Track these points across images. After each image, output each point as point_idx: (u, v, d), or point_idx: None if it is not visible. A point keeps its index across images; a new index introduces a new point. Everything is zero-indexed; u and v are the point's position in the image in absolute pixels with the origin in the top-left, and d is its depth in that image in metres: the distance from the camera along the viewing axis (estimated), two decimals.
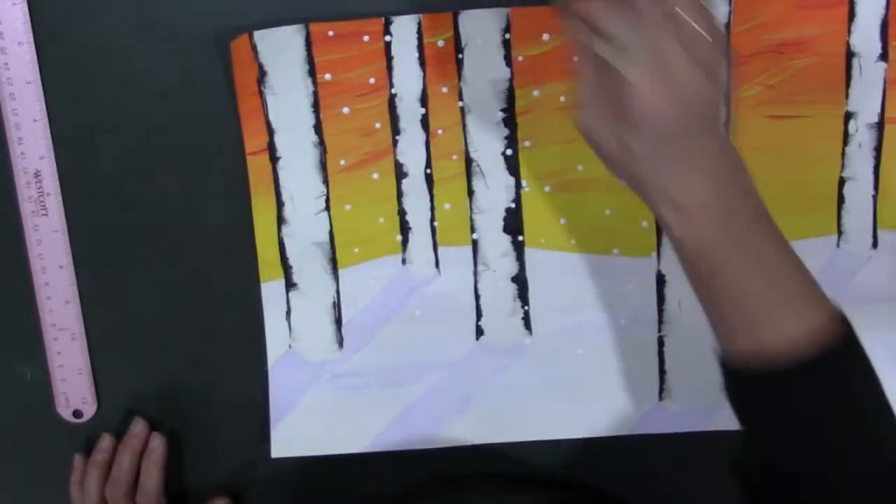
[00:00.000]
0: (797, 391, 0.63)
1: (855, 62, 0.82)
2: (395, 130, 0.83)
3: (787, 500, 0.65)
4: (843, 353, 0.64)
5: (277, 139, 0.83)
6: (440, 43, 0.82)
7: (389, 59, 0.82)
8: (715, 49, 0.61)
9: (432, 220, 0.85)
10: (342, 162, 0.84)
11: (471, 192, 0.84)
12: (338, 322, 0.87)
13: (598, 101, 0.64)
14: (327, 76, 0.82)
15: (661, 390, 0.87)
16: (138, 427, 0.88)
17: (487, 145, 0.83)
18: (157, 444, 0.88)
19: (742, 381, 0.66)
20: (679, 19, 0.60)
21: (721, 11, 0.80)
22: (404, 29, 0.82)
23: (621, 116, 0.62)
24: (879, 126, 0.83)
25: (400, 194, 0.84)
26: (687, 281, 0.68)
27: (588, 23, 0.62)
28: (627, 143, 0.63)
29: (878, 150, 0.83)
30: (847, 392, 0.64)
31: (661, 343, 0.86)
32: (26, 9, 0.83)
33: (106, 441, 0.88)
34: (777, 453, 0.65)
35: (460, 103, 0.83)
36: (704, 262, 0.65)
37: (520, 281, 0.86)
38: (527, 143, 0.83)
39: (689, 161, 0.63)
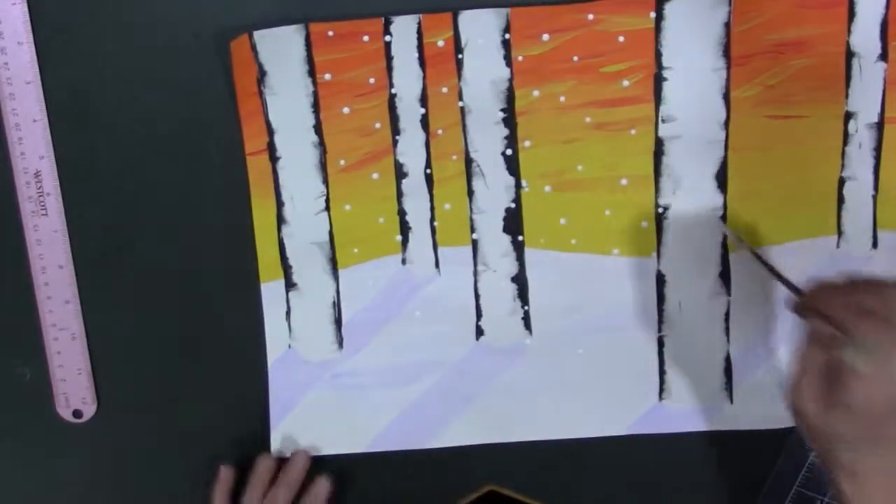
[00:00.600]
0: None
1: (855, 62, 0.82)
2: (395, 130, 0.83)
3: None
4: None
5: (277, 139, 0.83)
6: (440, 43, 0.82)
7: (389, 59, 0.82)
8: None
9: (432, 220, 0.85)
10: (342, 162, 0.84)
11: (471, 192, 0.84)
12: (338, 322, 0.87)
13: (812, 379, 0.69)
14: (327, 76, 0.82)
15: (661, 390, 0.87)
16: (301, 461, 0.88)
17: (487, 145, 0.83)
18: (322, 488, 0.88)
19: None
20: None
21: (721, 12, 0.80)
22: (404, 29, 0.82)
23: (834, 398, 0.67)
24: (879, 126, 0.83)
25: (400, 194, 0.84)
26: None
27: (828, 319, 0.69)
28: (835, 421, 0.68)
29: (877, 150, 0.83)
30: None
31: (661, 343, 0.86)
32: (26, 9, 0.83)
33: (267, 462, 0.88)
34: None
35: (460, 103, 0.83)
36: None
37: (520, 281, 0.86)
38: (527, 143, 0.83)
39: (885, 440, 0.67)
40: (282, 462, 0.88)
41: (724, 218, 0.83)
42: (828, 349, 0.68)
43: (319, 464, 0.88)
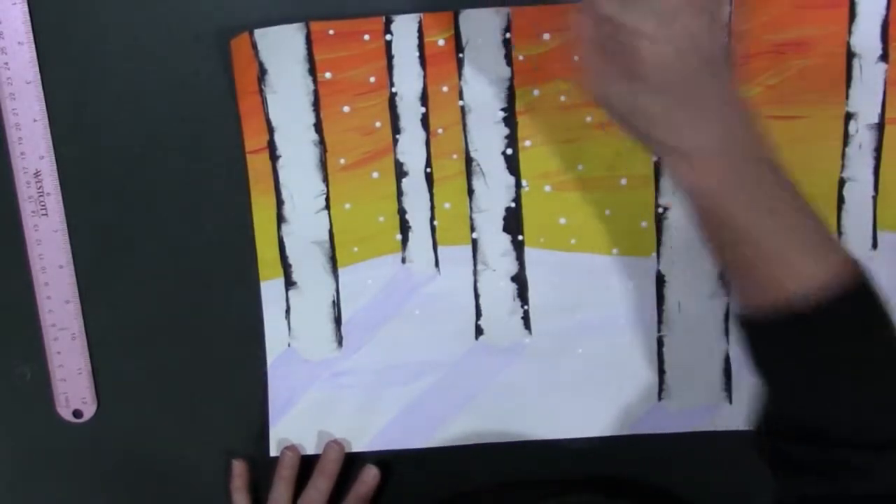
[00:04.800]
0: (819, 334, 0.64)
1: (855, 63, 0.82)
2: (396, 129, 0.83)
3: (812, 460, 0.65)
4: (860, 293, 0.64)
5: (277, 138, 0.83)
6: (441, 42, 0.82)
7: (390, 57, 0.82)
8: None
9: (432, 219, 0.85)
10: (342, 161, 0.84)
11: (471, 192, 0.84)
12: (337, 321, 0.87)
13: (603, 61, 0.65)
14: (327, 75, 0.82)
15: (661, 390, 0.87)
16: (335, 452, 0.88)
17: (487, 144, 0.84)
18: (371, 478, 0.88)
19: (762, 331, 0.67)
20: None
21: (722, 12, 0.80)
22: (405, 28, 0.82)
23: (628, 73, 0.63)
24: (880, 127, 0.83)
25: (400, 193, 0.85)
26: (703, 239, 0.68)
27: None
28: (636, 97, 0.64)
29: (878, 150, 0.83)
30: (866, 332, 0.64)
31: (660, 343, 0.86)
32: (26, 9, 0.83)
33: (290, 456, 0.88)
34: (801, 406, 0.66)
35: (460, 102, 0.83)
36: (717, 210, 0.65)
37: (519, 280, 0.86)
38: (527, 143, 0.83)
39: (695, 109, 0.63)
40: (303, 458, 0.88)
41: None
42: (604, 20, 0.63)
43: None
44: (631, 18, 0.61)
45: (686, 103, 0.63)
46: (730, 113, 0.65)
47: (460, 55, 0.82)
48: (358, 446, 0.88)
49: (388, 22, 0.82)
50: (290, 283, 0.86)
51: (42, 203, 0.85)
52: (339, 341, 0.87)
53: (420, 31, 0.82)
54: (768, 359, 0.68)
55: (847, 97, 0.82)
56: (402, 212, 0.85)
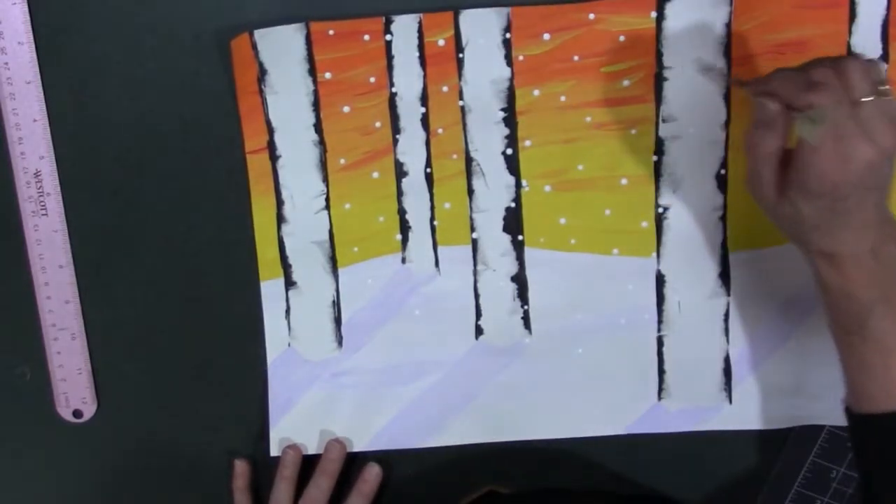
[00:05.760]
0: None
1: None
2: (396, 129, 0.83)
3: None
4: None
5: (277, 138, 0.83)
6: (441, 42, 0.82)
7: (390, 58, 0.82)
8: (885, 117, 0.66)
9: (432, 219, 0.85)
10: (342, 161, 0.84)
11: (471, 192, 0.84)
12: (337, 321, 0.87)
13: (773, 169, 0.70)
14: (327, 75, 0.82)
15: (661, 390, 0.86)
16: (337, 450, 0.88)
17: (487, 145, 0.83)
18: (374, 475, 0.88)
19: (878, 430, 0.70)
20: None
21: (722, 12, 0.80)
22: (405, 28, 0.82)
23: (795, 182, 0.68)
24: None
25: (400, 193, 0.84)
26: (832, 333, 0.73)
27: (780, 98, 0.68)
28: (797, 204, 0.68)
29: None
30: None
31: (660, 343, 0.86)
32: (26, 9, 0.83)
33: (292, 455, 0.88)
34: None
35: (460, 102, 0.83)
36: (853, 312, 0.69)
37: (519, 280, 0.86)
38: (527, 143, 0.83)
39: (852, 220, 0.68)
40: (304, 457, 0.88)
41: (723, 218, 0.83)
42: (779, 130, 0.68)
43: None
44: (811, 135, 0.66)
45: (844, 216, 0.67)
46: (882, 228, 0.68)
47: (460, 55, 0.82)
48: (358, 446, 0.88)
49: (388, 22, 0.82)
50: (290, 283, 0.86)
51: (42, 203, 0.86)
52: (339, 341, 0.87)
53: (420, 31, 0.82)
54: (878, 457, 0.71)
55: None
56: (402, 212, 0.85)
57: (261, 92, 0.82)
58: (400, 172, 0.84)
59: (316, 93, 0.83)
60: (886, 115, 0.65)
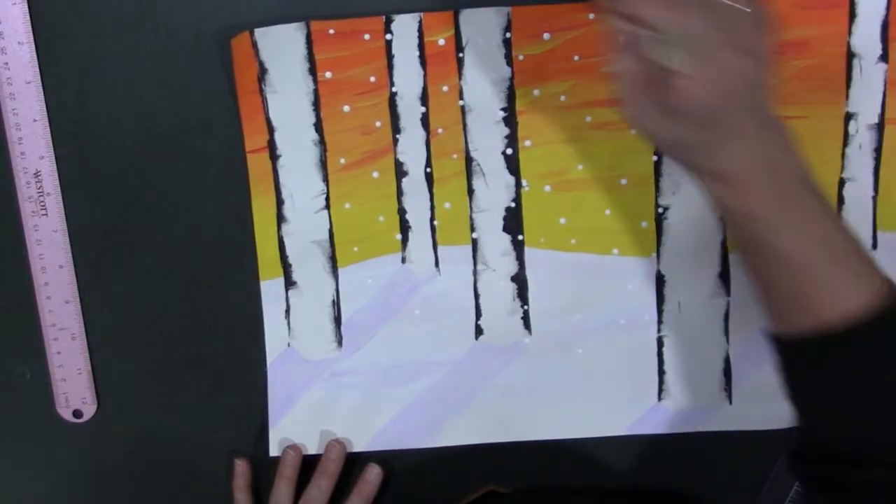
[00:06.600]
0: (858, 355, 0.64)
1: (855, 63, 0.82)
2: (396, 129, 0.83)
3: (847, 481, 0.65)
4: None
5: (278, 137, 0.83)
6: (441, 42, 0.82)
7: (390, 57, 0.82)
8: (755, 25, 0.62)
9: (432, 218, 0.85)
10: (342, 160, 0.84)
11: (471, 192, 0.84)
12: (337, 321, 0.87)
13: (642, 94, 0.65)
14: (328, 74, 0.82)
15: (660, 390, 0.86)
16: (335, 452, 0.87)
17: (488, 144, 0.84)
18: (374, 476, 0.88)
19: (799, 352, 0.67)
20: (716, 4, 0.61)
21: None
22: (405, 27, 0.82)
23: (668, 107, 0.63)
24: (879, 127, 0.83)
25: (400, 193, 0.85)
26: (742, 261, 0.70)
27: (632, 19, 0.62)
28: (675, 129, 0.64)
29: (878, 151, 0.83)
30: None
31: (660, 343, 0.86)
32: (26, 9, 0.83)
33: (292, 455, 0.88)
34: (837, 426, 0.66)
35: (461, 102, 0.83)
36: (758, 232, 0.66)
37: (519, 280, 0.86)
38: (527, 143, 0.83)
39: (734, 136, 0.64)
40: (304, 457, 0.88)
41: (723, 218, 0.83)
42: (644, 55, 0.63)
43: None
44: (670, 59, 0.61)
45: (724, 134, 0.63)
46: (768, 137, 0.65)
47: (460, 55, 0.82)
48: (358, 446, 0.88)
49: (389, 21, 0.82)
50: (290, 283, 0.86)
51: (42, 203, 0.85)
52: (339, 341, 0.87)
53: (420, 30, 0.82)
54: (804, 380, 0.68)
55: (847, 97, 0.82)
56: (402, 212, 0.85)
57: (261, 91, 0.82)
58: (400, 172, 0.84)
59: (316, 92, 0.83)
60: (754, 23, 0.62)
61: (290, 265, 0.86)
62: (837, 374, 0.65)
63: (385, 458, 0.89)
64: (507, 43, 0.82)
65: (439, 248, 0.86)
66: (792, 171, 0.65)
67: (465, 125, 0.83)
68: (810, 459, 0.69)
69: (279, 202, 0.85)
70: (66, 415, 0.89)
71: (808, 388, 0.68)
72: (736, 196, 0.65)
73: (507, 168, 0.84)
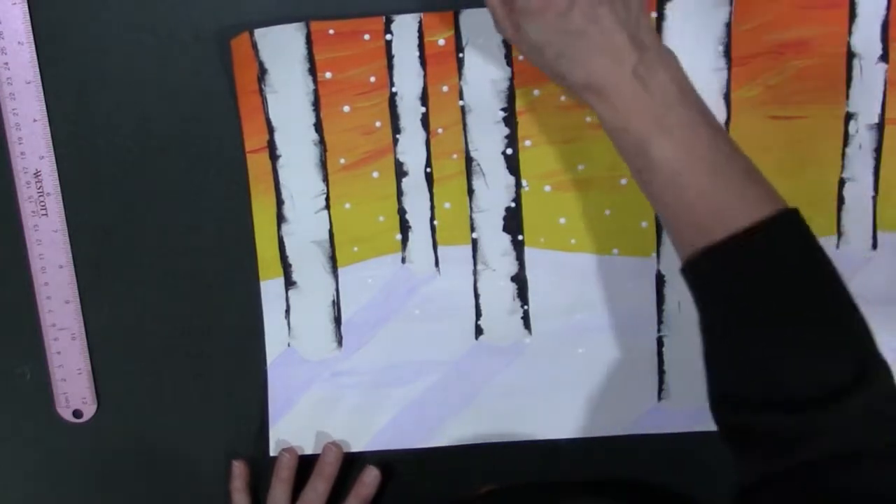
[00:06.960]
0: (750, 273, 0.64)
1: (855, 63, 0.82)
2: (396, 129, 0.83)
3: (763, 430, 0.64)
4: (788, 231, 0.65)
5: (277, 137, 0.83)
6: (441, 42, 0.82)
7: (390, 57, 0.82)
8: None
9: (432, 219, 0.85)
10: (342, 160, 0.84)
11: (471, 192, 0.84)
12: (337, 321, 0.87)
13: (504, 5, 0.69)
14: (328, 74, 0.82)
15: (660, 390, 0.86)
16: (332, 455, 0.87)
17: (488, 144, 0.84)
18: (372, 479, 0.88)
19: (699, 278, 0.66)
20: None
21: (722, 12, 0.80)
22: (405, 28, 0.82)
23: (517, 6, 0.67)
24: (880, 127, 0.83)
25: (400, 193, 0.85)
26: (639, 186, 0.69)
27: None
28: (527, 31, 0.67)
29: (878, 151, 0.83)
30: (797, 268, 0.64)
31: (660, 343, 0.86)
32: (26, 9, 0.83)
33: (288, 458, 0.88)
34: (741, 363, 0.65)
35: (461, 102, 0.83)
36: (638, 147, 0.66)
37: (519, 280, 0.86)
38: (527, 143, 0.83)
39: (590, 42, 0.66)
40: (300, 459, 0.88)
41: None
42: None
43: None
44: None
45: (587, 36, 0.65)
46: (643, 55, 0.66)
47: (460, 55, 0.82)
48: (358, 446, 0.88)
49: (389, 22, 0.82)
50: (290, 283, 0.86)
51: (42, 203, 0.85)
52: (339, 341, 0.87)
53: (420, 30, 0.82)
54: (707, 309, 0.67)
55: (847, 97, 0.82)
56: (402, 212, 0.85)
57: (261, 91, 0.82)
58: (400, 172, 0.84)
59: (316, 92, 0.83)
60: None
61: (290, 265, 0.86)
62: (731, 296, 0.65)
63: (385, 458, 0.89)
64: (507, 43, 0.82)
65: (439, 248, 0.86)
66: (670, 88, 0.66)
67: (465, 125, 0.83)
68: (724, 410, 0.68)
69: (279, 202, 0.85)
70: (66, 415, 0.89)
71: (705, 314, 0.67)
72: (610, 109, 0.66)
73: (507, 168, 0.84)
